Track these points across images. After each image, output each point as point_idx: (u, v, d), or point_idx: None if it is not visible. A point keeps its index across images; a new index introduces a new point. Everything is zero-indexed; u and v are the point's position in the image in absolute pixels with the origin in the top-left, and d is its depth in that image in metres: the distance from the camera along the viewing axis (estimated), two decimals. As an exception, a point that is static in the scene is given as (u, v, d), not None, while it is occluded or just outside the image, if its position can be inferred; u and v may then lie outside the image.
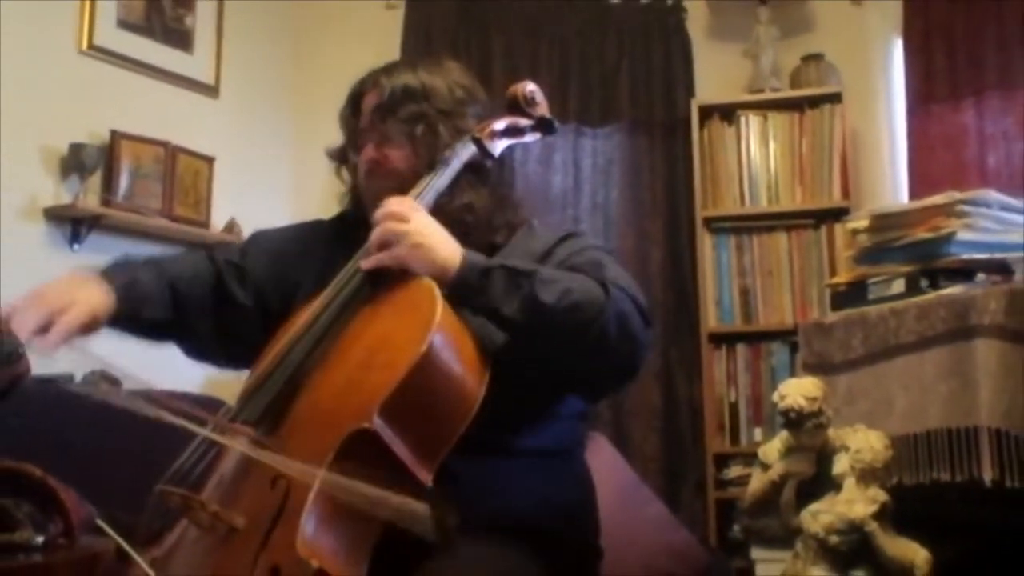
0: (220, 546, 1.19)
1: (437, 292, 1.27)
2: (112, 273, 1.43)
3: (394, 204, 1.36)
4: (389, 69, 1.56)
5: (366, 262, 1.35)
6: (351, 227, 1.53)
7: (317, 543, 1.11)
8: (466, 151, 1.48)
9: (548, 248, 1.48)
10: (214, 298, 1.55)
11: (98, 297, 1.37)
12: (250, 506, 1.19)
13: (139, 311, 1.44)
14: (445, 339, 1.24)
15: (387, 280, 1.35)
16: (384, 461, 1.17)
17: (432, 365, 1.22)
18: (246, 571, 1.11)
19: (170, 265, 1.54)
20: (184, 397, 1.29)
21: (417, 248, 1.32)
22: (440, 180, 1.45)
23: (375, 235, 1.35)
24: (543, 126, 1.57)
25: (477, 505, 1.28)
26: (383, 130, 1.50)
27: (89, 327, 1.34)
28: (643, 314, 1.37)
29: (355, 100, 1.57)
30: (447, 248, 1.34)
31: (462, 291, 1.31)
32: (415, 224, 1.34)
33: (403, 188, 1.44)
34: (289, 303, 1.51)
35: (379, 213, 1.36)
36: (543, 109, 1.58)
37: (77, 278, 1.39)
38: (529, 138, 1.58)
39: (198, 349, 1.58)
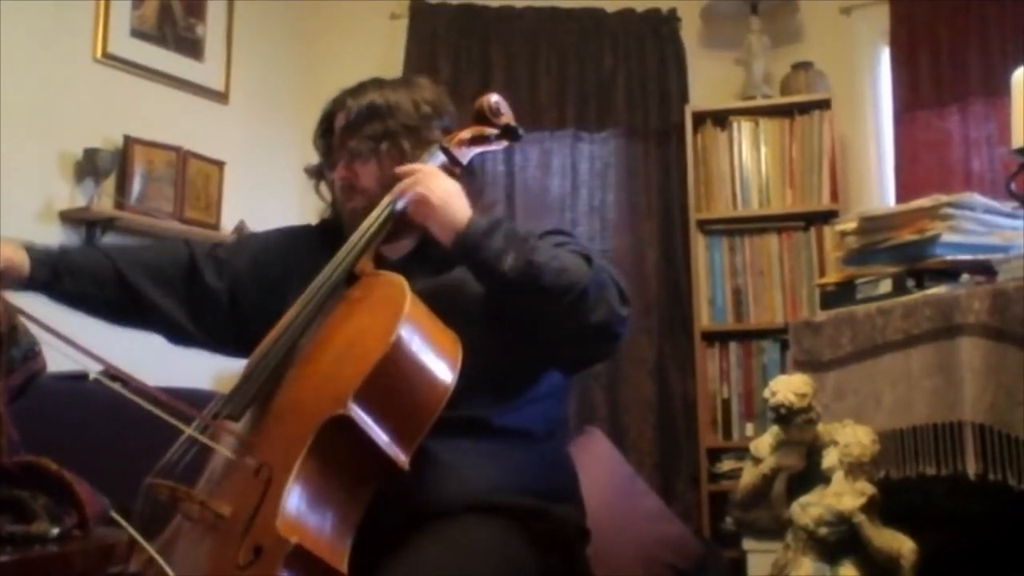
0: (210, 534, 1.24)
1: (406, 287, 1.33)
2: (38, 244, 1.49)
3: (426, 168, 1.47)
4: (356, 90, 1.60)
5: (402, 199, 1.44)
6: (332, 235, 1.58)
7: (297, 522, 1.16)
8: (435, 160, 1.53)
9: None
10: (186, 282, 1.60)
11: (14, 256, 1.43)
12: (236, 495, 1.23)
13: (60, 280, 1.48)
14: (414, 329, 1.30)
15: (361, 280, 1.42)
16: (361, 446, 1.23)
17: (402, 354, 1.27)
18: (232, 554, 1.15)
19: (136, 253, 1.57)
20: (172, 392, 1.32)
21: (444, 204, 1.42)
22: None
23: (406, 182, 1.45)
24: (509, 134, 1.60)
25: (457, 485, 1.35)
26: (351, 148, 1.55)
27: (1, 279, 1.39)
28: (621, 291, 1.43)
29: (327, 121, 1.62)
30: (464, 209, 1.43)
31: (466, 247, 1.39)
32: (440, 184, 1.45)
33: (374, 204, 1.48)
34: (268, 298, 1.56)
35: (408, 170, 1.46)
36: (508, 118, 1.60)
37: (1, 239, 1.45)
38: (496, 146, 1.62)
39: (175, 332, 1.62)
